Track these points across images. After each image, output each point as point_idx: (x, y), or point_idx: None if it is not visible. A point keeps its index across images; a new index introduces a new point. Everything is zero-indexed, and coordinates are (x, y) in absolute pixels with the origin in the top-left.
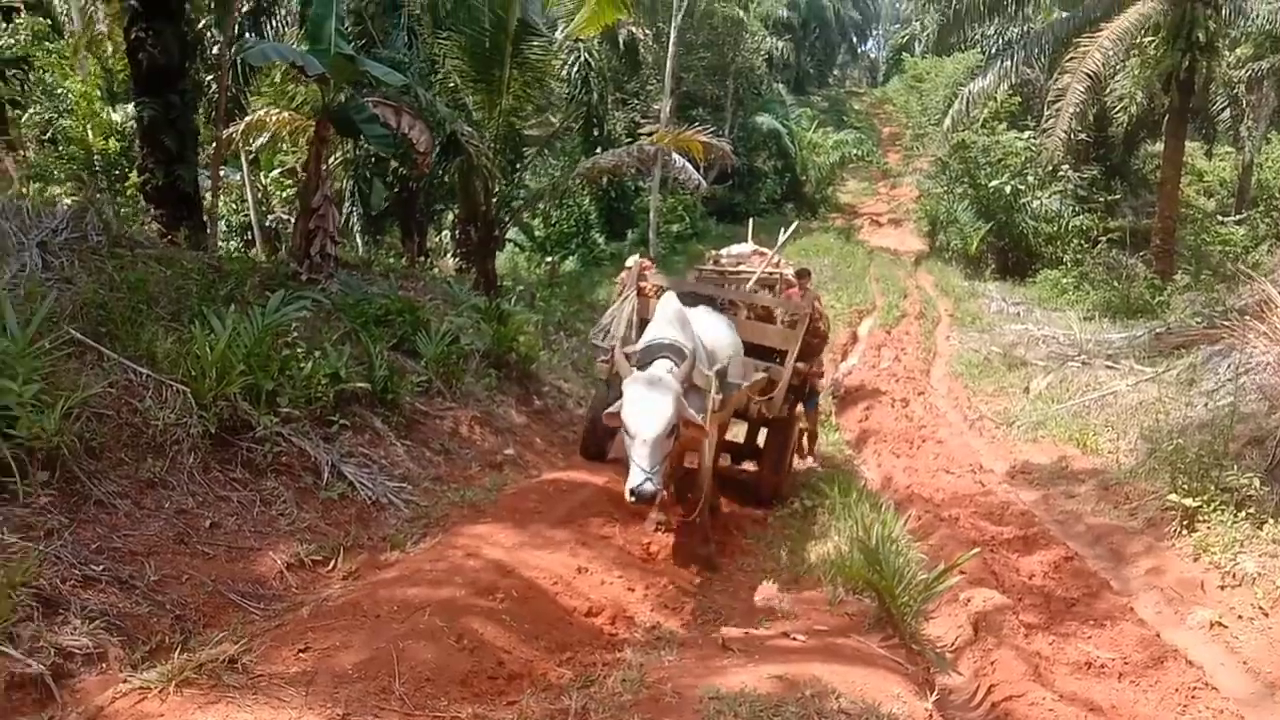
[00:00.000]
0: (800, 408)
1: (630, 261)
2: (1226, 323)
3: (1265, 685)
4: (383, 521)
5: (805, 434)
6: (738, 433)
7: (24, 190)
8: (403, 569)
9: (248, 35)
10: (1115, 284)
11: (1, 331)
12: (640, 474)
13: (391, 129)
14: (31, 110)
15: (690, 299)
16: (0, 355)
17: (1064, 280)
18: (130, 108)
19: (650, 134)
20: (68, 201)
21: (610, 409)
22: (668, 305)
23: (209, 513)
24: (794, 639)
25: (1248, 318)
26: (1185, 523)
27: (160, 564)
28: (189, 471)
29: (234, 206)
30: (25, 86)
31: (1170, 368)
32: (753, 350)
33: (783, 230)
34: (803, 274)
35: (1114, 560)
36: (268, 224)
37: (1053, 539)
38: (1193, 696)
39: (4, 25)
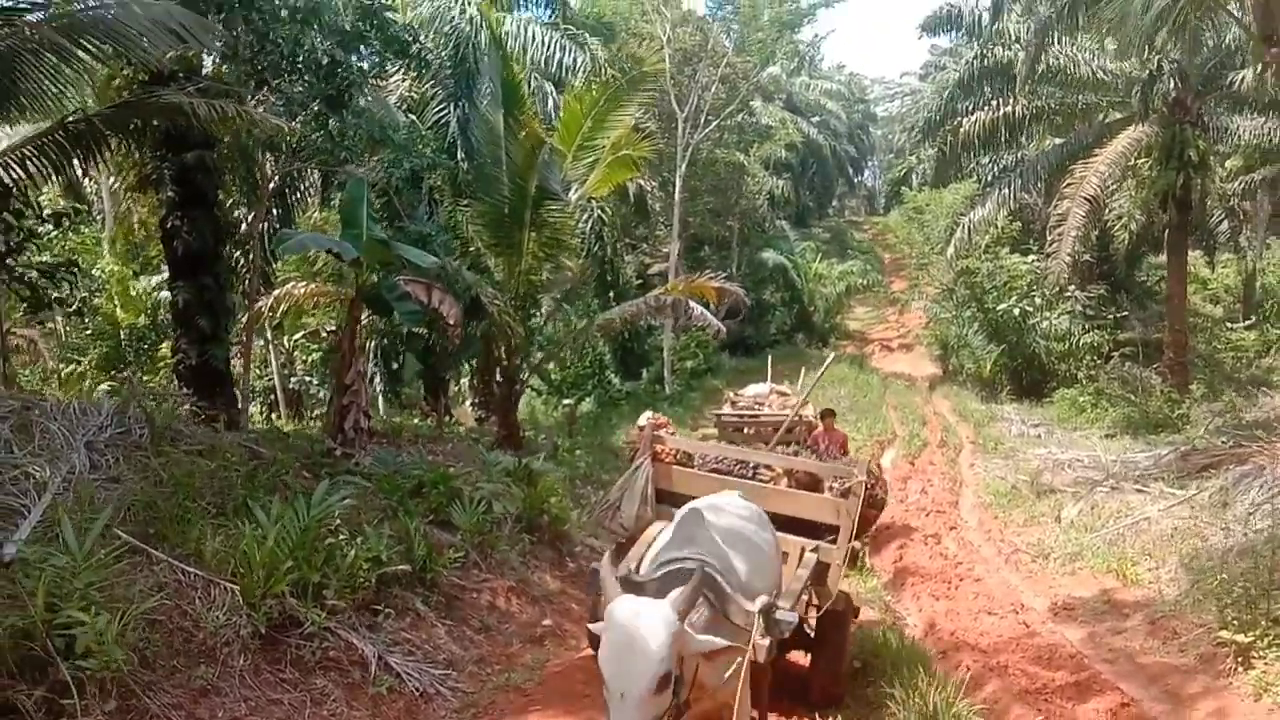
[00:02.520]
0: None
1: (643, 419)
2: (1252, 443)
3: None
4: (431, 714)
5: None
6: None
7: (58, 370)
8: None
9: (274, 211)
10: (1133, 398)
11: (56, 542)
12: None
13: (423, 304)
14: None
15: (712, 474)
16: (59, 572)
17: (1081, 399)
18: (153, 280)
19: (659, 274)
20: (107, 395)
21: (595, 625)
22: (691, 518)
23: (261, 718)
24: None
25: (1275, 438)
26: (1240, 659)
27: None
28: (240, 675)
29: (257, 371)
30: (73, 288)
31: (1201, 489)
32: (795, 524)
33: (802, 373)
34: (827, 413)
35: (1172, 703)
36: (291, 386)
37: (1107, 683)
38: None
39: (54, 230)
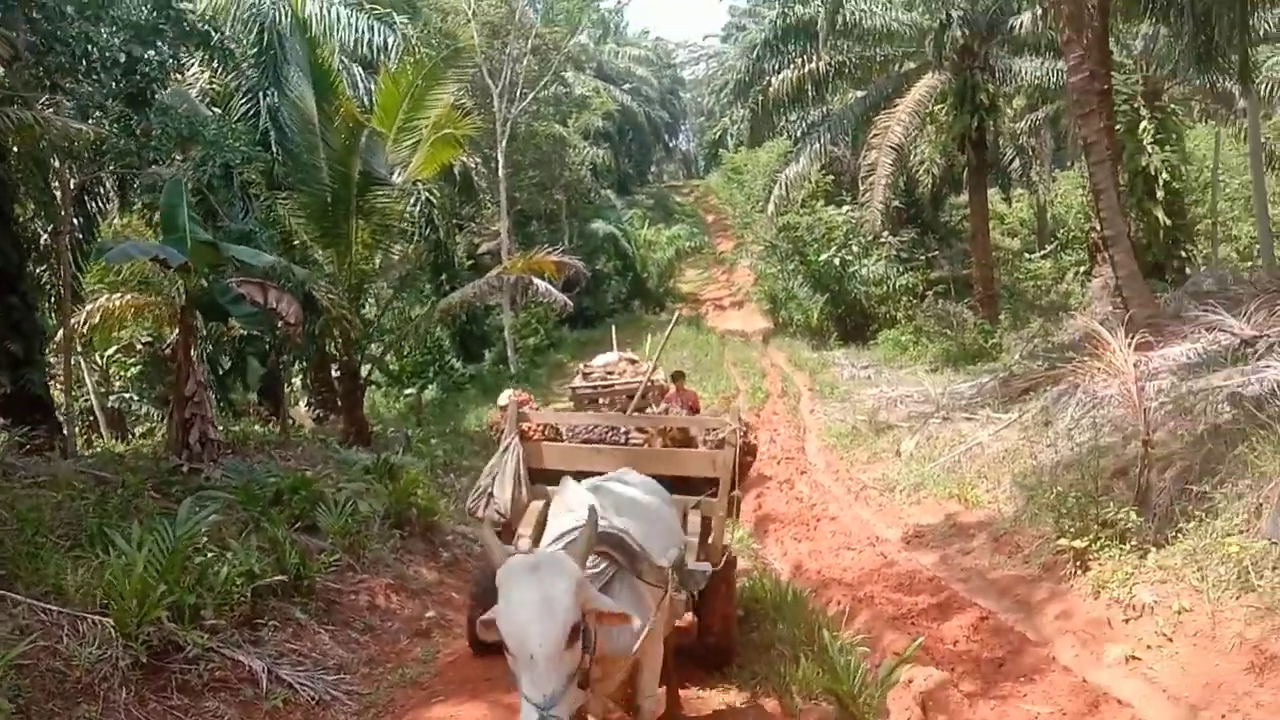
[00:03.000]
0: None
1: (504, 398)
2: (1064, 363)
3: (1188, 710)
4: None
5: None
6: None
7: None
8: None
9: (75, 221)
10: (949, 333)
11: None
12: (532, 712)
13: (259, 305)
14: None
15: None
16: None
17: (902, 338)
18: None
19: (490, 253)
20: None
21: (485, 614)
22: (571, 494)
23: None
24: None
25: (1084, 356)
26: (1078, 563)
27: None
28: (125, 708)
29: (73, 393)
30: None
31: (1024, 412)
32: (675, 484)
33: (648, 340)
34: (677, 375)
35: (1024, 611)
36: (110, 405)
37: (965, 601)
38: None
39: None
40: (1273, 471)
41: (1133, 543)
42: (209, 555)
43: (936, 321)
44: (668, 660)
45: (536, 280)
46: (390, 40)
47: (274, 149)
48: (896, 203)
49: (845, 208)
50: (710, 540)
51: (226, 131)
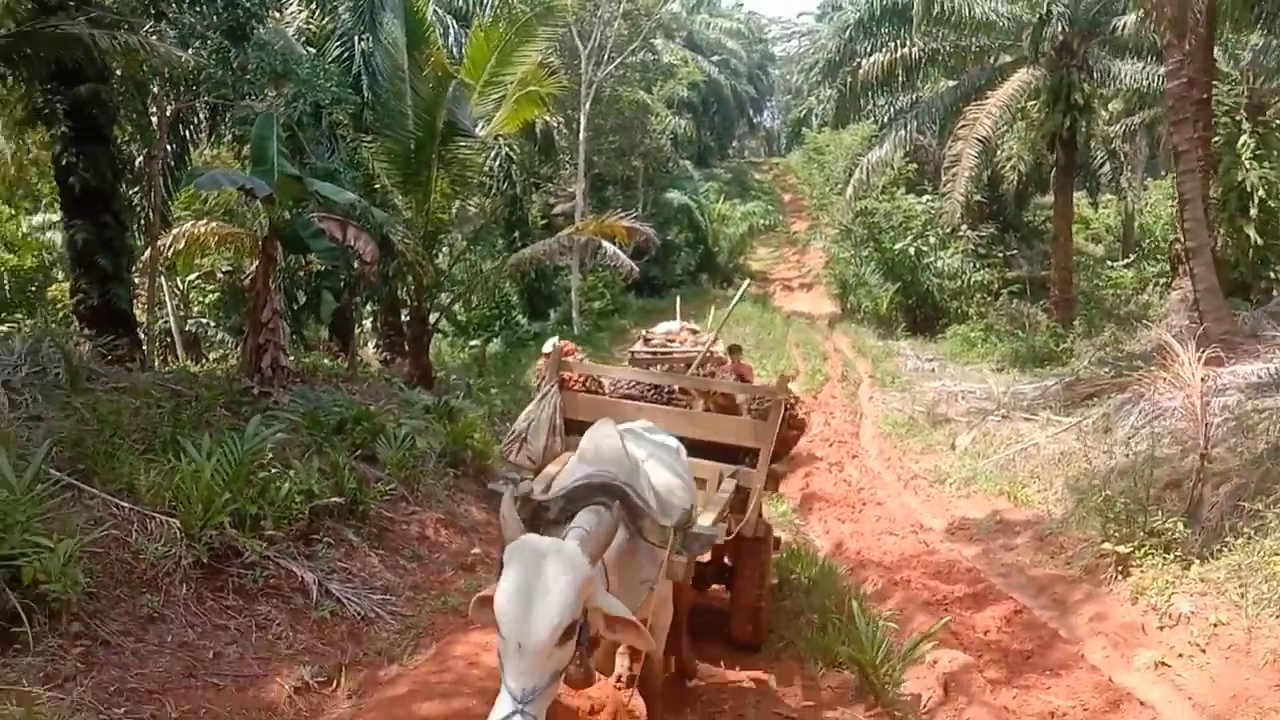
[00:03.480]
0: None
1: (548, 346)
2: (1132, 372)
3: (1211, 718)
4: (374, 636)
5: None
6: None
7: None
8: (409, 683)
9: (169, 147)
10: (1020, 334)
11: None
12: (508, 703)
13: (337, 241)
14: None
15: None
16: (3, 505)
17: (972, 334)
18: (36, 219)
19: (564, 214)
20: (16, 335)
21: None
22: (602, 436)
23: (210, 643)
24: (787, 716)
25: (1153, 366)
26: (1120, 568)
27: (177, 700)
28: (184, 603)
29: (150, 316)
30: None
31: (1085, 416)
32: (714, 450)
33: (711, 311)
34: (734, 349)
35: (1059, 610)
36: (188, 329)
37: (1001, 594)
38: None
39: None
40: None
41: (1177, 553)
42: (272, 471)
43: (1009, 321)
44: (678, 624)
45: (606, 244)
46: None
47: (364, 93)
48: (978, 197)
49: (925, 197)
50: (744, 513)
51: (319, 71)
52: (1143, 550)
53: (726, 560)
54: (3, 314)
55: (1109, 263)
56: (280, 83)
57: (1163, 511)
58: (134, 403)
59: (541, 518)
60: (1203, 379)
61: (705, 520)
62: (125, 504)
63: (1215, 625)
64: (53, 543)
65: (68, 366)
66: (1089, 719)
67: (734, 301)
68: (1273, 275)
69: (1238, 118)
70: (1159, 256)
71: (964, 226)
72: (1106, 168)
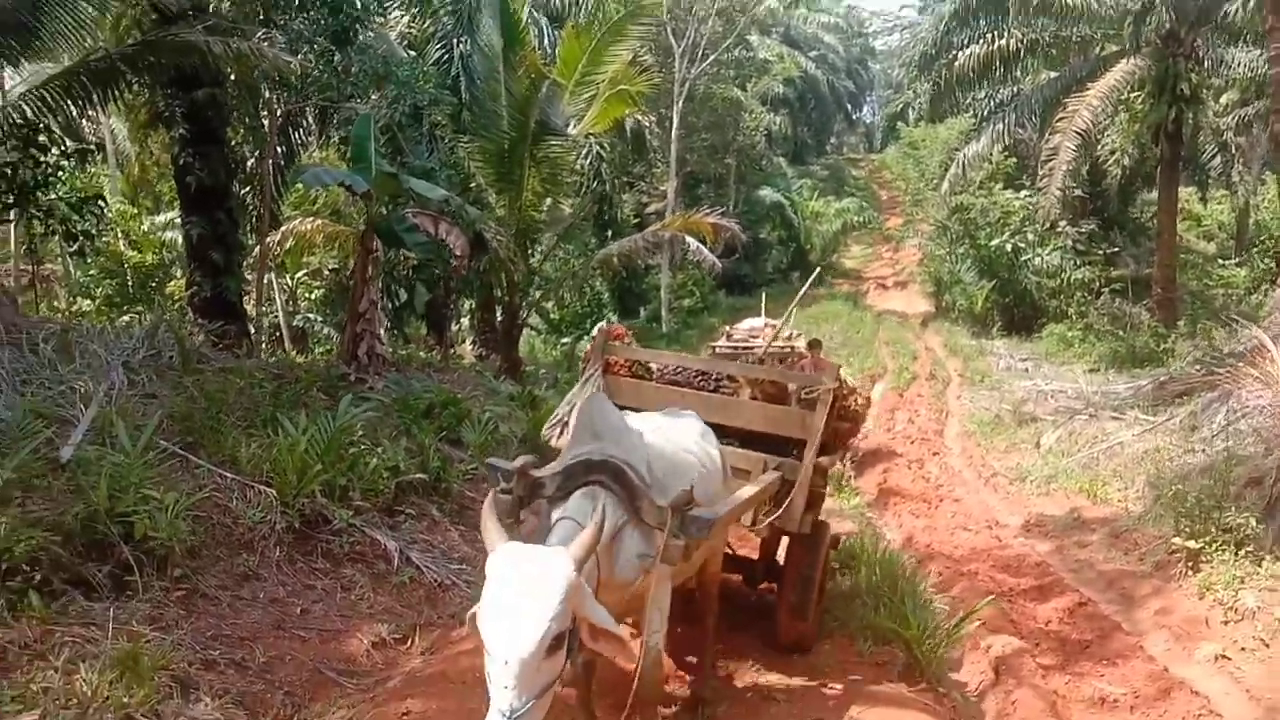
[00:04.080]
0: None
1: (598, 329)
2: (1223, 369)
3: (1266, 710)
4: (449, 601)
5: None
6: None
7: (67, 306)
8: (477, 640)
9: (278, 149)
10: (1120, 334)
11: (106, 447)
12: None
13: (431, 236)
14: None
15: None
16: (116, 469)
17: (1069, 334)
18: (159, 219)
19: (656, 213)
20: (138, 322)
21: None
22: (595, 408)
23: (299, 600)
24: (831, 688)
25: (1241, 364)
26: (1190, 564)
27: (266, 648)
28: (277, 564)
29: (262, 309)
30: (99, 221)
31: (1172, 416)
32: (760, 440)
33: (791, 309)
34: (814, 344)
35: (1125, 603)
36: (295, 324)
37: (1067, 586)
38: None
39: (80, 167)
40: None
41: (1249, 549)
42: (362, 448)
43: (1110, 320)
44: (707, 621)
45: (690, 240)
46: None
47: (461, 94)
48: (1078, 192)
49: (1024, 192)
50: (790, 506)
51: (419, 74)
52: (1214, 546)
53: (779, 558)
54: (125, 307)
55: (1220, 261)
56: (382, 85)
57: (1239, 508)
58: (239, 383)
59: (537, 494)
60: None
61: (733, 505)
62: (227, 473)
63: None
64: (160, 496)
65: (180, 350)
66: (1139, 705)
67: (803, 289)
68: None
69: None
70: (1275, 254)
71: (1063, 222)
72: (1217, 161)
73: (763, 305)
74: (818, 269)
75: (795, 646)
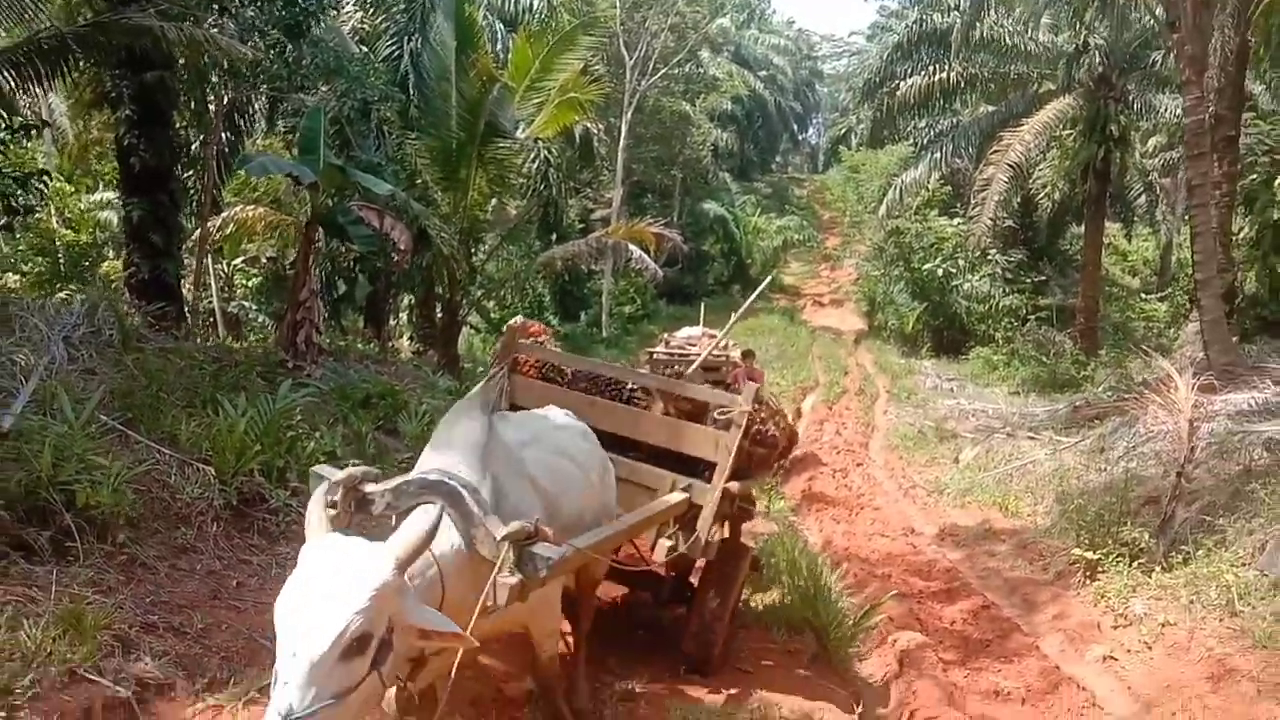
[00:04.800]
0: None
1: (508, 326)
2: (1130, 396)
3: (1143, 706)
4: None
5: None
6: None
7: None
8: None
9: (224, 135)
10: (1044, 360)
11: (47, 418)
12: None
13: (375, 230)
14: None
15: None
16: (59, 439)
17: (995, 357)
18: (94, 198)
19: (601, 220)
20: (74, 300)
21: None
22: (459, 413)
23: (235, 574)
24: (745, 670)
25: (1148, 392)
26: (1088, 573)
27: (203, 615)
28: (214, 538)
29: (198, 294)
30: (44, 196)
31: (1084, 438)
32: (672, 459)
33: (731, 318)
34: (748, 354)
35: (1026, 608)
36: (230, 310)
37: (973, 591)
38: (1081, 715)
39: (28, 142)
40: None
41: (1142, 562)
42: (300, 432)
43: (1035, 346)
44: (579, 642)
45: (633, 247)
46: (536, 1)
47: (411, 91)
48: (1009, 222)
49: (956, 220)
50: (695, 531)
51: (369, 69)
52: (1111, 557)
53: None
54: (58, 284)
55: (1143, 295)
56: (332, 78)
57: (1135, 524)
58: (178, 364)
59: (364, 511)
60: (1194, 405)
61: (603, 534)
62: (167, 450)
63: (1164, 625)
64: (107, 463)
65: (120, 328)
66: (1029, 698)
67: (750, 299)
68: None
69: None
70: (1188, 291)
71: (994, 251)
72: (1143, 200)
73: (702, 315)
74: (767, 278)
75: (696, 670)
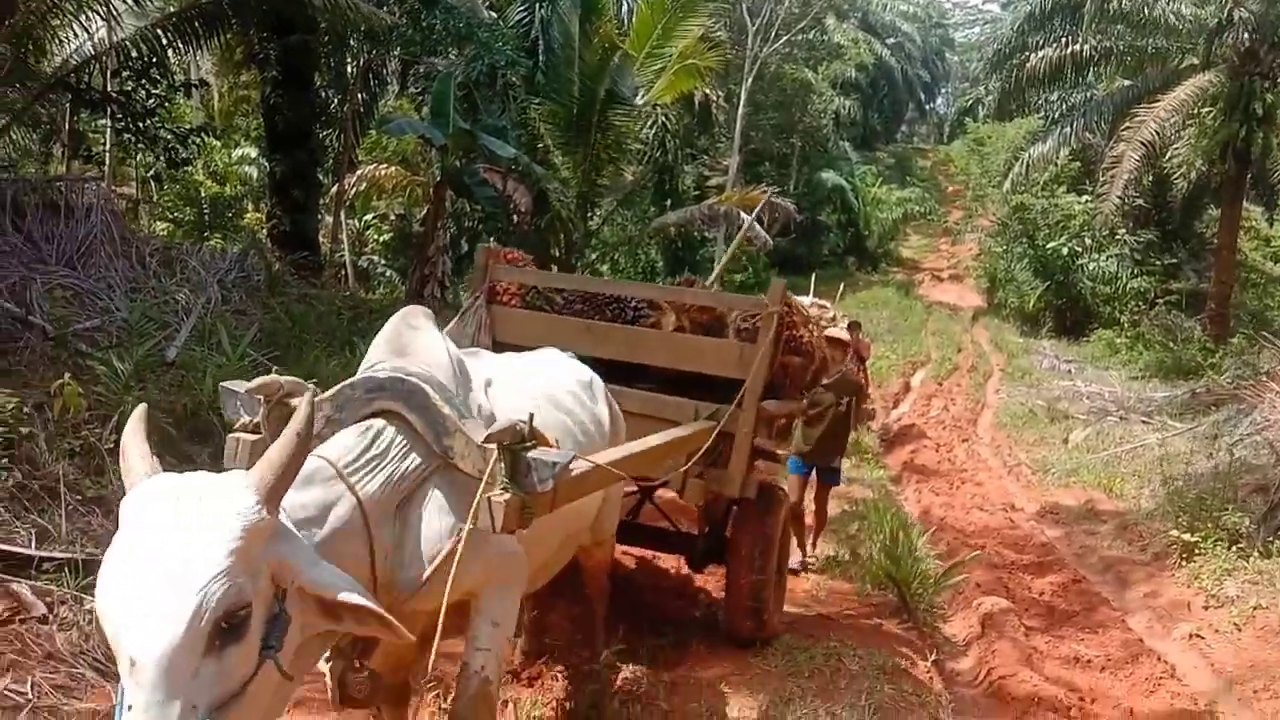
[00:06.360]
0: (791, 480)
1: (479, 251)
2: (1249, 384)
3: (1225, 682)
4: None
5: (815, 516)
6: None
7: (150, 227)
8: None
9: (359, 96)
10: (1171, 345)
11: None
12: None
13: (499, 191)
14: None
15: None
16: (219, 368)
17: (1118, 340)
18: (237, 153)
19: (717, 187)
20: (224, 247)
21: None
22: (403, 320)
23: None
24: (824, 614)
25: (1268, 380)
26: (1184, 555)
27: None
28: None
29: (330, 247)
30: (200, 150)
31: (1199, 423)
32: (691, 384)
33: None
34: (854, 325)
35: (1117, 585)
36: (360, 264)
37: (1065, 565)
38: (1159, 685)
39: (189, 99)
40: None
41: (1240, 546)
42: None
43: (1162, 331)
44: (594, 611)
45: (744, 214)
46: None
47: (538, 57)
48: (1141, 202)
49: (1085, 198)
50: (726, 467)
51: (498, 35)
52: (1210, 540)
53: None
54: (206, 234)
55: None
56: (463, 44)
57: (1238, 511)
58: (318, 309)
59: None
60: None
61: (620, 452)
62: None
63: (1256, 609)
64: None
65: (268, 274)
66: (1109, 666)
67: (740, 234)
68: None
69: None
70: None
71: (1122, 230)
72: None
73: (812, 286)
74: (752, 215)
75: (748, 640)
